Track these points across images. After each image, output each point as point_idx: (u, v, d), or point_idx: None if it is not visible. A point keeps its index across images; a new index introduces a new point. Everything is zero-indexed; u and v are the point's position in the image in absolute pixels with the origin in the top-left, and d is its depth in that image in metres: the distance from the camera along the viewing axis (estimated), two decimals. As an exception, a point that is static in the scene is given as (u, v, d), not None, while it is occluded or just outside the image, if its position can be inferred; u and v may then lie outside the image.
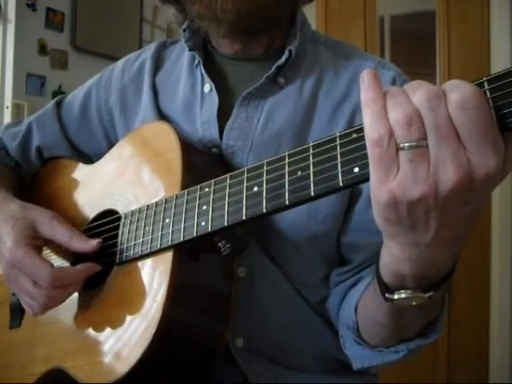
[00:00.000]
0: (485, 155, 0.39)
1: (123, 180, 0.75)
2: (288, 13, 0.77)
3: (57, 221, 0.71)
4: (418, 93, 0.40)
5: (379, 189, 0.42)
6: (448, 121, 0.39)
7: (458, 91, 0.39)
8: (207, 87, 0.78)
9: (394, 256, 0.49)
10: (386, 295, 0.53)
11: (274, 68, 0.74)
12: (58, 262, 0.75)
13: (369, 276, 0.69)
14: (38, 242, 0.70)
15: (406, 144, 0.40)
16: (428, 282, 0.50)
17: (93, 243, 0.69)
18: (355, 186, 0.70)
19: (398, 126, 0.40)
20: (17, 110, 2.22)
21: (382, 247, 0.51)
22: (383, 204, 0.43)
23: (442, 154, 0.39)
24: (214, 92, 0.77)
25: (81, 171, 0.85)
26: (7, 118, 2.19)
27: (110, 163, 0.81)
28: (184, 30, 0.80)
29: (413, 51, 2.45)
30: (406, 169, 0.40)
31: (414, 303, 0.51)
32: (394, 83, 0.75)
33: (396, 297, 0.51)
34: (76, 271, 0.67)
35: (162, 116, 0.81)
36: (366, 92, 0.43)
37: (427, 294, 0.50)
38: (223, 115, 0.76)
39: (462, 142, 0.39)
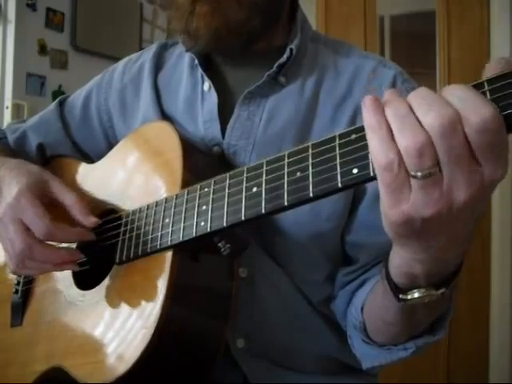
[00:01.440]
0: (497, 168, 0.39)
1: (124, 179, 0.75)
2: (264, 26, 0.75)
3: (67, 187, 0.74)
4: (430, 118, 0.39)
5: (392, 211, 0.42)
6: (464, 146, 0.38)
7: (478, 114, 0.38)
8: (206, 86, 0.78)
9: (404, 258, 0.49)
10: (400, 296, 0.53)
11: (275, 66, 0.74)
12: None
13: (375, 276, 0.69)
14: (44, 200, 0.71)
15: (419, 173, 0.39)
16: (438, 279, 0.50)
17: (92, 219, 0.70)
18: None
19: (407, 154, 0.39)
20: (17, 109, 2.22)
21: (392, 250, 0.52)
22: (396, 223, 0.43)
23: (456, 176, 0.39)
24: (213, 90, 0.77)
25: (83, 170, 0.85)
26: (7, 118, 2.19)
27: (111, 163, 0.81)
28: None
29: (413, 51, 2.45)
30: (419, 194, 0.40)
31: (427, 300, 0.51)
32: (394, 82, 0.75)
33: (409, 297, 0.52)
34: (70, 230, 0.68)
35: (164, 116, 0.81)
36: (369, 117, 0.42)
37: (440, 291, 0.51)
38: (225, 114, 0.76)
39: (477, 161, 0.39)
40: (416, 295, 0.51)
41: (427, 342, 0.63)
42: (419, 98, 0.40)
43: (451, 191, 0.40)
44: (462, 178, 0.39)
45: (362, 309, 0.68)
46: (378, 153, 0.41)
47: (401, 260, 0.50)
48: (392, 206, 0.42)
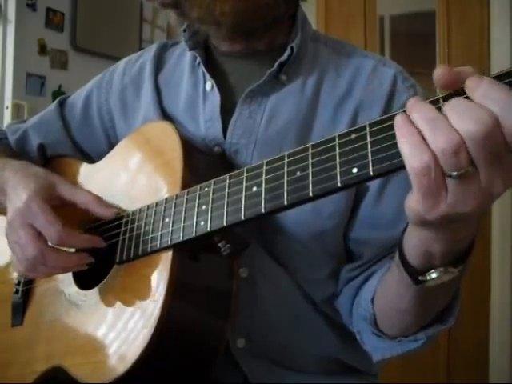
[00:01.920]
0: None
1: (125, 179, 0.76)
2: (288, 11, 0.77)
3: (76, 186, 0.74)
4: (464, 123, 0.39)
5: (430, 213, 0.43)
6: (499, 148, 0.39)
7: None
8: (208, 85, 0.79)
9: (423, 239, 0.49)
10: (419, 278, 0.53)
11: (276, 65, 0.75)
12: None
13: (381, 269, 0.69)
14: (53, 203, 0.71)
15: (454, 173, 0.40)
16: (453, 257, 0.51)
17: (113, 210, 0.70)
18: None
19: (443, 155, 0.39)
20: (17, 109, 2.22)
21: (407, 231, 0.52)
22: (432, 222, 0.43)
23: (493, 176, 0.40)
24: (216, 90, 0.77)
25: (84, 170, 0.85)
26: (7, 118, 2.19)
27: (112, 163, 0.81)
28: (184, 30, 0.80)
29: (413, 51, 2.45)
30: (456, 194, 0.41)
31: (446, 279, 0.52)
32: (395, 80, 0.75)
33: (428, 277, 0.52)
34: (81, 237, 0.69)
35: (165, 116, 0.82)
36: (399, 130, 0.42)
37: (457, 269, 0.51)
38: (226, 113, 0.76)
39: None
40: (434, 275, 0.52)
41: (437, 330, 0.63)
42: (451, 105, 0.40)
43: (489, 189, 0.40)
44: (499, 175, 0.40)
45: (372, 300, 0.68)
46: (411, 158, 0.41)
47: (419, 240, 0.50)
48: (430, 208, 0.42)
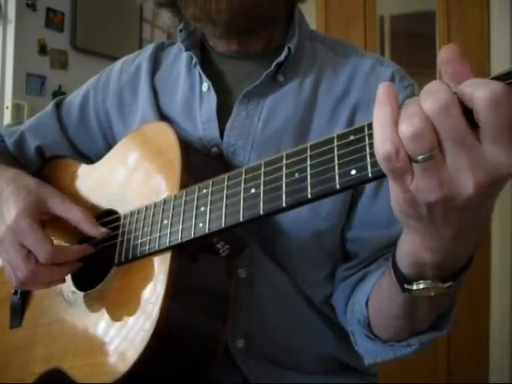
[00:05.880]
0: (504, 149, 0.37)
1: (123, 180, 0.76)
2: (284, 11, 0.77)
3: (69, 201, 0.74)
4: (428, 100, 0.39)
5: (398, 194, 0.42)
6: (462, 127, 0.38)
7: (487, 88, 0.36)
8: (205, 86, 0.78)
9: (415, 246, 0.48)
10: (405, 286, 0.52)
11: (273, 66, 0.74)
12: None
13: (377, 270, 0.69)
14: (44, 217, 0.71)
15: (419, 157, 0.39)
16: (447, 272, 0.50)
17: (102, 230, 0.71)
18: None
19: (405, 139, 0.39)
20: (17, 109, 2.22)
21: (401, 238, 0.51)
22: (402, 204, 0.43)
23: (458, 160, 0.39)
24: (212, 91, 0.77)
25: (82, 171, 0.85)
26: (7, 118, 2.19)
27: (109, 163, 0.81)
28: (180, 31, 0.80)
29: (413, 51, 2.45)
30: (421, 178, 0.40)
31: (432, 294, 0.51)
32: (392, 79, 0.75)
33: (415, 287, 0.51)
34: (72, 250, 0.70)
35: (162, 116, 0.81)
36: (377, 107, 0.42)
37: (446, 285, 0.50)
38: (223, 114, 0.76)
39: (482, 144, 0.38)
40: (422, 286, 0.51)
41: (431, 337, 0.63)
42: (426, 87, 0.41)
43: (456, 177, 0.39)
44: (465, 161, 0.38)
45: (366, 303, 0.67)
46: (376, 141, 0.41)
47: (410, 247, 0.49)
48: (397, 190, 0.42)
